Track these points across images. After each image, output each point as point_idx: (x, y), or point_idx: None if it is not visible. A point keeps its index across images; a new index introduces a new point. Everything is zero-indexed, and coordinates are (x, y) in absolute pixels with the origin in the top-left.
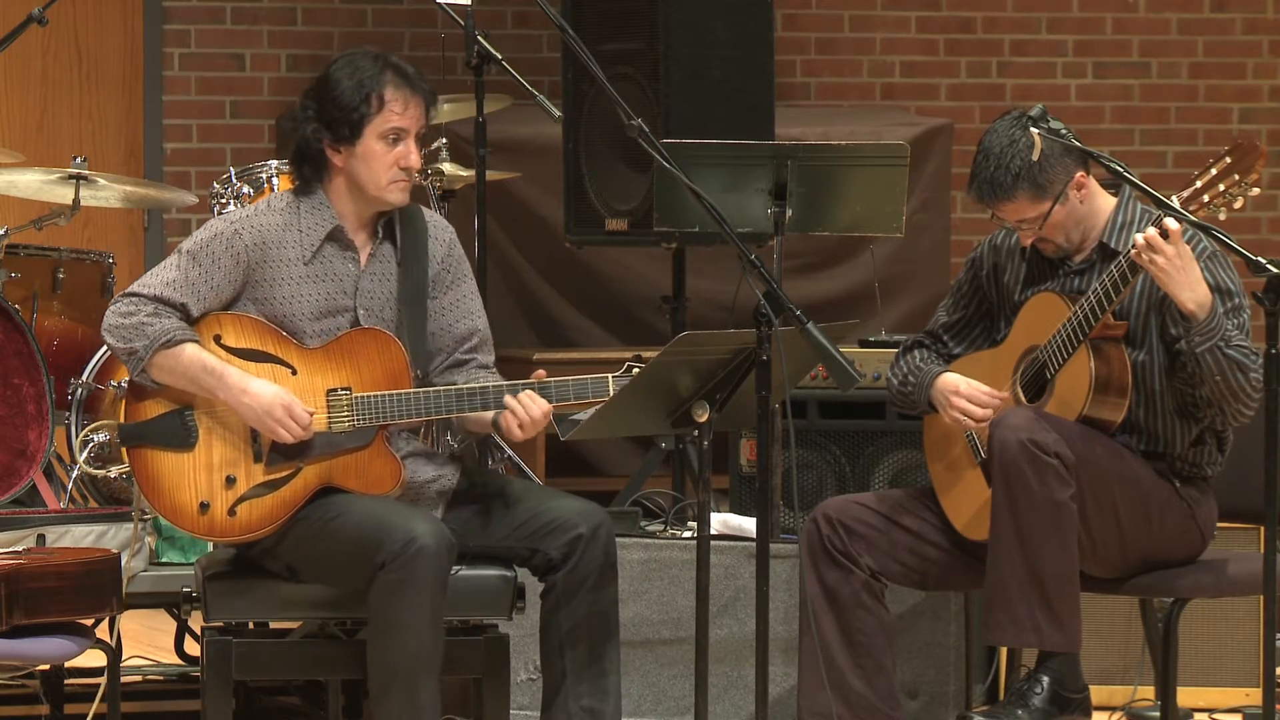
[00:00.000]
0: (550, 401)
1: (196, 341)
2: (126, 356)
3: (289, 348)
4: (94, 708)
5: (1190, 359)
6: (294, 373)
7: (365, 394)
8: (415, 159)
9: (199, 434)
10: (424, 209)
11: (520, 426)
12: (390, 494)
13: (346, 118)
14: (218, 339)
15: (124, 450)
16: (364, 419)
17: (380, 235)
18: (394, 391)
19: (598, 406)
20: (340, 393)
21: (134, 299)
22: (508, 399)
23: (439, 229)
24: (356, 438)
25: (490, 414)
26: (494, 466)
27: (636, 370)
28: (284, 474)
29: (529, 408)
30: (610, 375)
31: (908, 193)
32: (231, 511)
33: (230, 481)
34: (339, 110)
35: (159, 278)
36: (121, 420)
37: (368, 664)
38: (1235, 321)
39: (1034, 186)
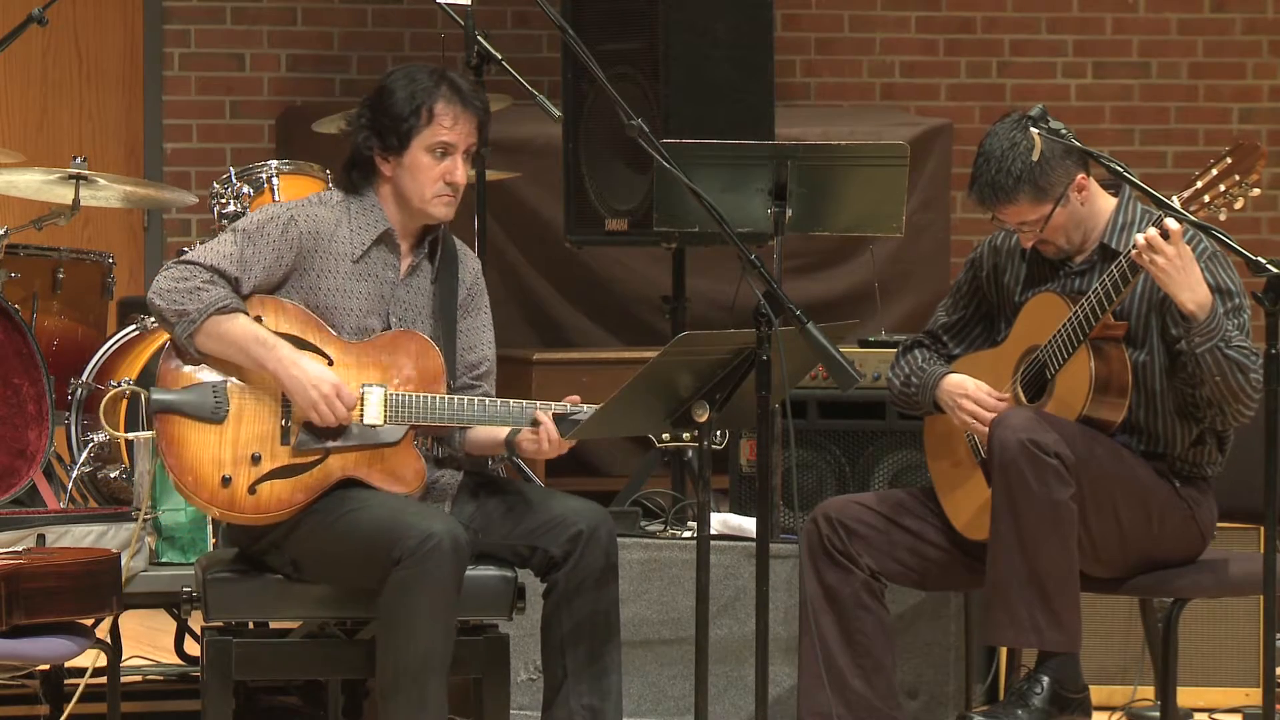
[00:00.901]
0: (571, 432)
1: (247, 314)
2: (176, 319)
3: (327, 338)
4: (72, 705)
5: (1190, 359)
6: (330, 363)
7: (402, 392)
8: (461, 175)
9: (229, 409)
10: (455, 238)
11: (549, 442)
12: (412, 494)
13: (396, 128)
14: (258, 320)
15: (152, 416)
16: (397, 416)
17: (424, 250)
18: (430, 394)
19: (598, 407)
20: (376, 387)
21: (189, 266)
22: (539, 414)
23: (468, 257)
24: (387, 433)
25: (504, 434)
26: (494, 467)
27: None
28: (310, 459)
29: (549, 431)
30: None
31: (908, 193)
32: (252, 490)
33: (255, 459)
34: (390, 120)
35: (214, 250)
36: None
37: (376, 661)
38: (1235, 322)
39: (1035, 189)
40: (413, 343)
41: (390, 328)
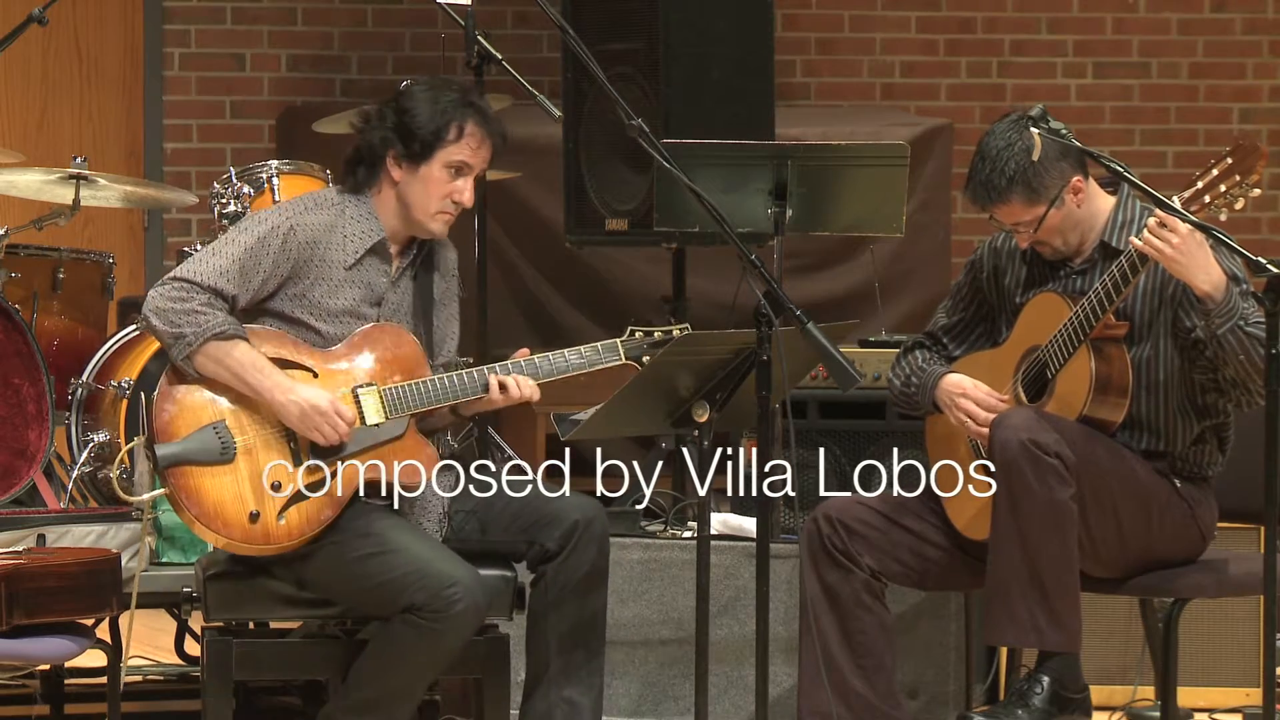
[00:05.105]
0: (539, 378)
1: (247, 340)
2: (172, 341)
3: (305, 351)
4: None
5: (1212, 343)
6: (315, 375)
7: (393, 385)
8: (469, 198)
9: (236, 446)
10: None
11: (518, 394)
12: (428, 479)
13: (422, 136)
14: None
15: (163, 472)
16: (396, 409)
17: (411, 254)
18: (420, 380)
19: (597, 406)
20: (370, 388)
21: (187, 285)
22: (504, 379)
23: (445, 249)
24: (390, 429)
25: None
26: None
27: (638, 333)
28: (326, 473)
29: (521, 387)
30: (599, 344)
31: (908, 193)
32: (281, 517)
33: (276, 488)
34: (418, 127)
35: (212, 266)
36: (156, 440)
37: (352, 671)
38: (1250, 301)
39: (1028, 190)
40: (386, 335)
41: None
